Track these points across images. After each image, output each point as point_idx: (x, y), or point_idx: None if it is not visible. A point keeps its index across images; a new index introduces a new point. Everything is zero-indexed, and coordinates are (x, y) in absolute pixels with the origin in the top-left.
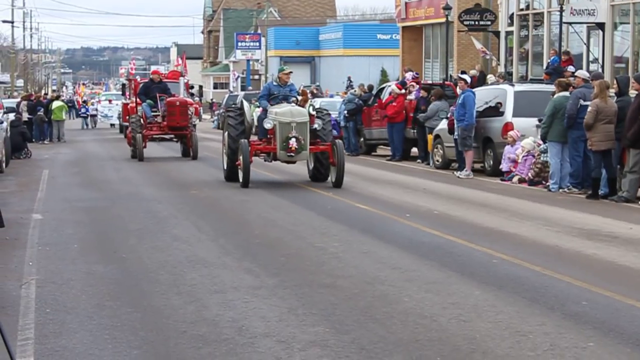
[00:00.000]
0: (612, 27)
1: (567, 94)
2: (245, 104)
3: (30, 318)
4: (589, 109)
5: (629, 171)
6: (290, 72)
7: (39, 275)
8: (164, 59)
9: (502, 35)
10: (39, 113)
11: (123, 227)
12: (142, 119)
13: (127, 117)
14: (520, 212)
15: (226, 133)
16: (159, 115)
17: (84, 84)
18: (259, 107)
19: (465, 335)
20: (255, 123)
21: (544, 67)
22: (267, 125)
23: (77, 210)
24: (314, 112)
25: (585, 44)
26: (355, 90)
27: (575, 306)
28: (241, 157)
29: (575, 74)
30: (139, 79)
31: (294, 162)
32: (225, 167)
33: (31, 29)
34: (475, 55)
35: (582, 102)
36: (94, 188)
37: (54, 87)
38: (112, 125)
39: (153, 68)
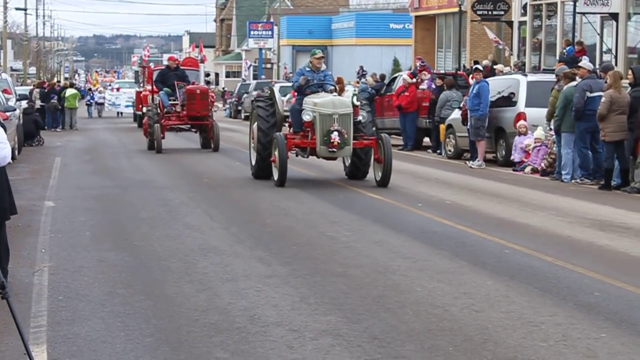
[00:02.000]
0: (626, 18)
1: (575, 83)
2: (277, 92)
3: (42, 305)
4: (603, 99)
5: None
6: (322, 56)
7: (52, 263)
8: (177, 47)
9: (515, 25)
10: (52, 101)
11: (135, 215)
12: (159, 108)
13: (141, 106)
14: (533, 203)
15: (255, 125)
16: (177, 104)
17: (97, 72)
18: (286, 95)
19: (478, 325)
20: (286, 114)
21: (557, 57)
22: (307, 117)
23: (89, 198)
24: (358, 103)
25: (598, 34)
26: (367, 80)
27: (587, 297)
28: (276, 153)
29: (580, 64)
30: (152, 66)
31: (334, 159)
32: (253, 163)
33: (44, 16)
34: (488, 45)
35: (588, 94)
36: (106, 176)
37: (67, 75)
38: (120, 113)
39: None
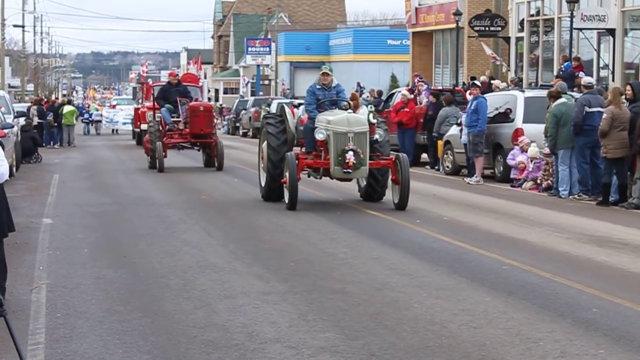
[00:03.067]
0: (623, 33)
1: (563, 100)
2: (287, 110)
3: (40, 322)
4: (604, 115)
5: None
6: (328, 73)
7: (50, 280)
8: (174, 63)
9: (513, 41)
10: (48, 118)
11: (133, 232)
12: (161, 126)
13: (139, 123)
14: (531, 219)
15: (265, 144)
16: (179, 121)
17: (94, 88)
18: (301, 114)
19: (476, 341)
20: (295, 132)
21: (554, 73)
22: (320, 135)
23: (88, 215)
24: (374, 120)
25: (595, 50)
26: (365, 96)
27: (585, 313)
28: (287, 174)
29: (581, 82)
30: (150, 82)
31: (349, 180)
32: (263, 184)
33: (42, 33)
34: (485, 61)
35: (587, 109)
36: (104, 192)
37: (64, 92)
38: (115, 130)
39: (164, 72)
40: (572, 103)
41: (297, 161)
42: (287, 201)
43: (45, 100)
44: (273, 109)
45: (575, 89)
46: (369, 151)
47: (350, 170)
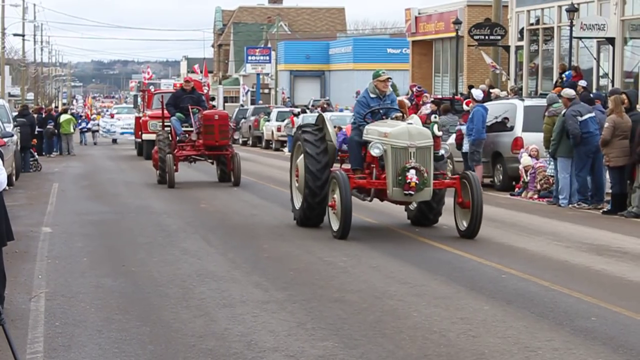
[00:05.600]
0: (622, 42)
1: None
2: (327, 120)
3: (39, 331)
4: (606, 125)
5: (639, 186)
6: (389, 78)
7: (49, 289)
8: (174, 72)
9: (512, 49)
10: (48, 126)
11: (132, 241)
12: (171, 136)
13: (140, 133)
14: (530, 227)
15: (299, 161)
16: (191, 131)
17: (93, 97)
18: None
19: (474, 350)
20: (336, 145)
21: (554, 81)
22: (375, 151)
23: (87, 224)
24: (439, 133)
25: (595, 58)
26: None
27: (584, 322)
28: (336, 195)
29: (561, 94)
30: (152, 90)
31: (409, 203)
32: (297, 206)
33: (42, 42)
34: (485, 70)
35: (579, 118)
36: (104, 201)
37: (64, 101)
38: (115, 140)
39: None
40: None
41: (349, 181)
42: (335, 228)
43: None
44: (273, 117)
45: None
46: (432, 169)
47: (412, 192)
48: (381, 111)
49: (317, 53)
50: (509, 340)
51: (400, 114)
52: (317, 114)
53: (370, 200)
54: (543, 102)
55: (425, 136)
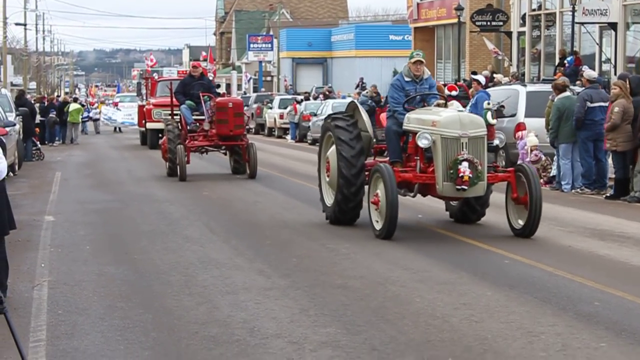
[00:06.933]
0: (625, 27)
1: (567, 94)
2: (362, 109)
3: (42, 319)
4: (616, 109)
5: None
6: (422, 60)
7: (51, 277)
8: (177, 60)
9: (514, 35)
10: (51, 115)
11: (135, 229)
12: (181, 126)
13: (144, 122)
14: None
15: (330, 152)
16: (203, 120)
17: (96, 86)
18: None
19: (477, 335)
20: (372, 135)
21: (555, 67)
22: (424, 141)
23: (89, 212)
24: (494, 122)
25: (597, 44)
26: (367, 92)
27: (587, 306)
28: (380, 191)
29: (583, 74)
30: (156, 77)
31: (460, 199)
32: (328, 203)
33: (44, 31)
34: (487, 56)
35: (589, 104)
36: (107, 190)
37: (67, 90)
38: (117, 129)
39: (166, 70)
40: (575, 97)
41: (394, 174)
42: (377, 227)
43: (47, 98)
44: (275, 105)
45: (577, 83)
46: (486, 161)
47: (465, 187)
48: (417, 97)
49: (319, 40)
50: (511, 325)
51: (443, 101)
52: (319, 102)
53: (414, 196)
54: (546, 87)
55: (479, 125)
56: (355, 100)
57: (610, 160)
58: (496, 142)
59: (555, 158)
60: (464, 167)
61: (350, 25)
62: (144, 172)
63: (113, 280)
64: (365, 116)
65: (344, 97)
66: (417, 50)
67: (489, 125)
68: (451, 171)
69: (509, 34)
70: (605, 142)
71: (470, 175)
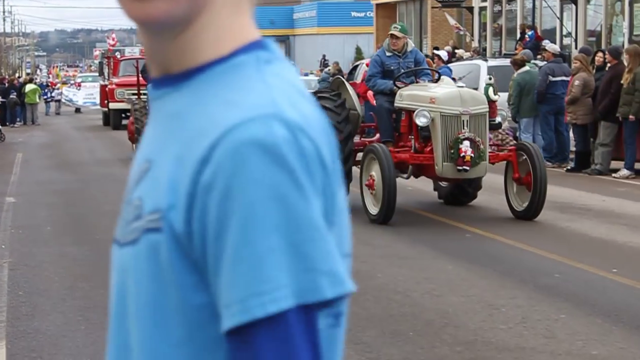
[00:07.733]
0: (585, 1)
1: (527, 68)
2: (348, 85)
3: (2, 301)
4: (576, 82)
5: (601, 144)
6: (400, 31)
7: (12, 258)
8: (138, 40)
9: (476, 11)
10: (11, 96)
11: (97, 209)
12: (148, 105)
13: (106, 102)
14: (493, 186)
15: None
16: None
17: (57, 67)
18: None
19: (438, 309)
20: (361, 113)
21: (517, 42)
22: (422, 120)
23: (51, 193)
24: (496, 97)
25: (558, 18)
26: (329, 69)
27: (547, 279)
28: (374, 172)
29: (546, 47)
30: (118, 56)
31: (460, 180)
32: None
33: (4, 12)
34: (449, 32)
35: (551, 78)
36: (68, 170)
37: (28, 71)
38: (78, 109)
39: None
40: (536, 71)
41: (390, 155)
42: (373, 212)
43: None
44: None
45: (539, 57)
46: (488, 140)
47: (467, 168)
48: (406, 72)
49: (281, 18)
50: (472, 299)
51: (437, 77)
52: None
53: (407, 178)
54: (507, 62)
55: (480, 101)
56: (341, 77)
57: (571, 134)
58: (498, 119)
59: (517, 133)
60: (466, 147)
61: (312, 3)
62: (106, 153)
63: (74, 261)
64: (352, 92)
65: (306, 75)
66: (397, 23)
67: (491, 102)
68: (452, 151)
69: (470, 9)
70: (565, 116)
71: (472, 155)
